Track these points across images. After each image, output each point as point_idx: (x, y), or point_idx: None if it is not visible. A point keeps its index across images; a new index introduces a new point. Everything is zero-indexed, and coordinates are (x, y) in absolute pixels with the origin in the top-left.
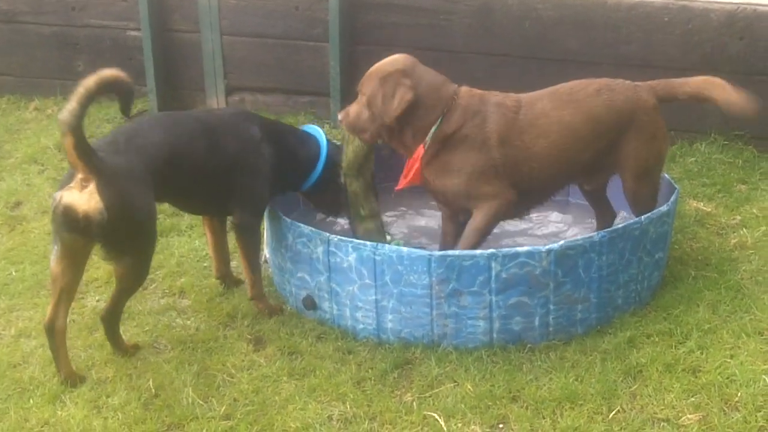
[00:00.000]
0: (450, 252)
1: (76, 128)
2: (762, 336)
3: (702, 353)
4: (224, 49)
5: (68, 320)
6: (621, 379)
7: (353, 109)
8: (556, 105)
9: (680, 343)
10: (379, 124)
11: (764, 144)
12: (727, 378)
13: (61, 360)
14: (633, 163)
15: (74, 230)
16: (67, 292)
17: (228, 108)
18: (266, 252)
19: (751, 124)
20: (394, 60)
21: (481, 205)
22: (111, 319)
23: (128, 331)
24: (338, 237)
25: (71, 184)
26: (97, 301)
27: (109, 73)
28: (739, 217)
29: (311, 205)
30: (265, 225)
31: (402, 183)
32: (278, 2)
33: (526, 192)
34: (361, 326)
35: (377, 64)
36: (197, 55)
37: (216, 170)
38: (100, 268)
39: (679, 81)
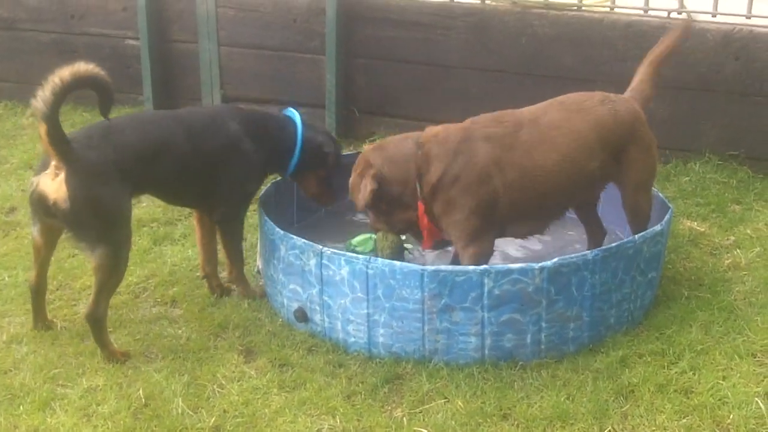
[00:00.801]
0: (442, 267)
1: (50, 117)
2: (755, 358)
3: (694, 374)
4: (221, 60)
5: (59, 327)
6: (612, 398)
7: (370, 216)
8: (566, 116)
9: (672, 364)
10: (378, 215)
11: (759, 164)
12: (720, 400)
13: (39, 314)
14: (633, 174)
15: (48, 215)
16: (47, 259)
17: (211, 106)
18: (259, 263)
19: (747, 145)
20: (361, 155)
21: (464, 250)
22: (94, 317)
23: (119, 339)
24: (331, 250)
25: (47, 171)
26: None
27: (84, 67)
28: (732, 238)
29: (304, 193)
30: (258, 236)
31: (426, 244)
32: (276, 14)
33: (539, 209)
34: (353, 340)
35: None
36: (194, 65)
37: (197, 167)
38: (92, 276)
39: (637, 82)
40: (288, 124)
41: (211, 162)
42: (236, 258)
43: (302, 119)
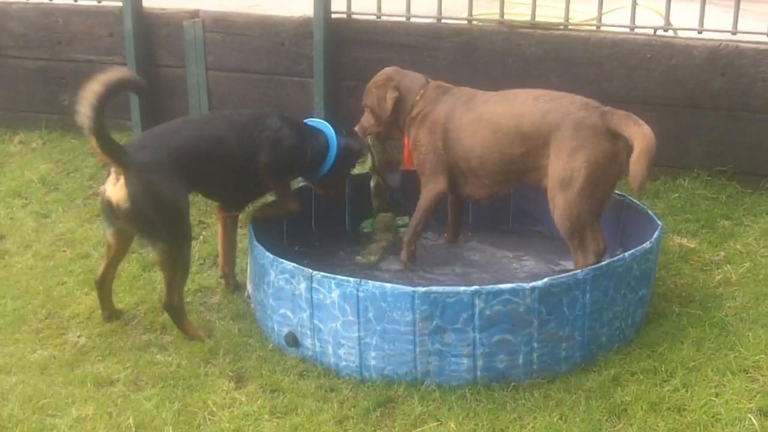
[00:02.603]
0: (433, 289)
1: (97, 130)
2: (747, 374)
3: (687, 391)
4: (209, 84)
5: (51, 355)
6: (606, 418)
7: (363, 119)
8: (498, 101)
9: (665, 381)
10: (384, 123)
11: (747, 179)
12: (713, 417)
13: (106, 305)
14: (551, 170)
15: (115, 218)
16: (117, 258)
17: (252, 108)
18: (249, 288)
19: (735, 160)
20: (382, 72)
21: (424, 187)
22: (171, 307)
23: (109, 368)
24: (321, 273)
25: (110, 179)
26: (78, 336)
27: (111, 75)
28: (723, 253)
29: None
30: (249, 261)
31: (406, 164)
32: (264, 38)
33: (471, 172)
34: (344, 363)
35: (372, 80)
36: (182, 90)
37: (245, 159)
38: (81, 304)
39: (627, 120)
40: (321, 133)
41: (256, 149)
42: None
43: (332, 126)
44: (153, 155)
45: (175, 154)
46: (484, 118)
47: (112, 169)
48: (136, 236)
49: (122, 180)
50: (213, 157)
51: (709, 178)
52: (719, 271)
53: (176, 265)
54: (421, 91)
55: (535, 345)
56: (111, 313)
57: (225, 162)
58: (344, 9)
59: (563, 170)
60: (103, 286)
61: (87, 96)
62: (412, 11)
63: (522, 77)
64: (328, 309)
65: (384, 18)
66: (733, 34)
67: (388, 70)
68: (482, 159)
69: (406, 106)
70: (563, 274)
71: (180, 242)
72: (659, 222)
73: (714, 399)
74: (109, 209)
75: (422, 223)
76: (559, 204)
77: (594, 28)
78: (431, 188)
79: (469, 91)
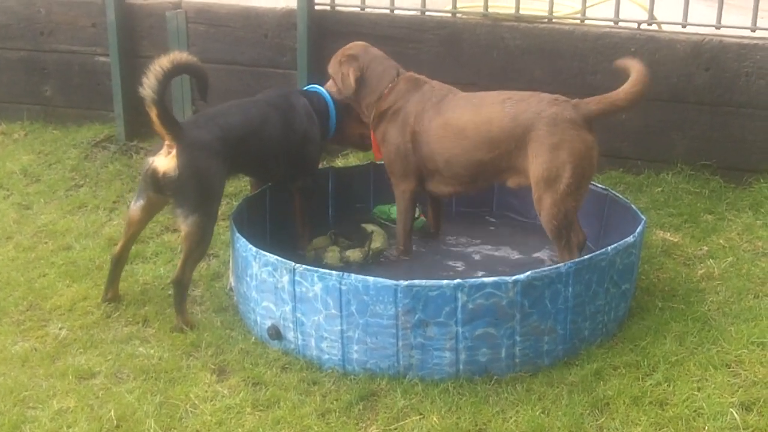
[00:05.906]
0: (416, 282)
1: (158, 101)
2: (729, 368)
3: (669, 386)
4: None
5: (32, 347)
6: (588, 411)
7: (328, 85)
8: (465, 105)
9: (647, 375)
10: (344, 95)
11: (730, 174)
12: (695, 411)
13: (112, 286)
14: (534, 169)
15: (156, 189)
16: (135, 235)
17: (278, 89)
18: (231, 280)
19: (718, 155)
20: (352, 45)
21: (396, 188)
22: (179, 282)
23: (90, 360)
24: (304, 266)
25: (161, 151)
26: (60, 329)
27: (181, 55)
28: (705, 248)
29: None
30: (231, 253)
31: (376, 155)
32: (247, 30)
33: (439, 172)
34: (327, 357)
35: (341, 49)
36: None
37: (289, 143)
38: (63, 296)
39: (614, 91)
40: (320, 97)
41: (301, 137)
42: (308, 221)
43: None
44: (206, 134)
45: (225, 134)
46: (451, 123)
47: (165, 143)
48: (172, 205)
49: (174, 152)
50: (257, 137)
51: (692, 172)
52: (702, 265)
53: (200, 241)
54: (390, 85)
55: (518, 338)
56: (114, 296)
57: (267, 141)
58: (328, 1)
59: (546, 169)
60: (119, 263)
61: (155, 69)
62: (396, 3)
63: (506, 70)
64: (310, 302)
65: (368, 10)
66: (717, 28)
67: (357, 47)
68: (449, 162)
69: (372, 95)
70: (546, 268)
71: (209, 220)
72: (642, 216)
73: (696, 393)
74: (154, 178)
75: (408, 223)
76: (547, 204)
77: (578, 21)
78: (404, 189)
79: (441, 89)
